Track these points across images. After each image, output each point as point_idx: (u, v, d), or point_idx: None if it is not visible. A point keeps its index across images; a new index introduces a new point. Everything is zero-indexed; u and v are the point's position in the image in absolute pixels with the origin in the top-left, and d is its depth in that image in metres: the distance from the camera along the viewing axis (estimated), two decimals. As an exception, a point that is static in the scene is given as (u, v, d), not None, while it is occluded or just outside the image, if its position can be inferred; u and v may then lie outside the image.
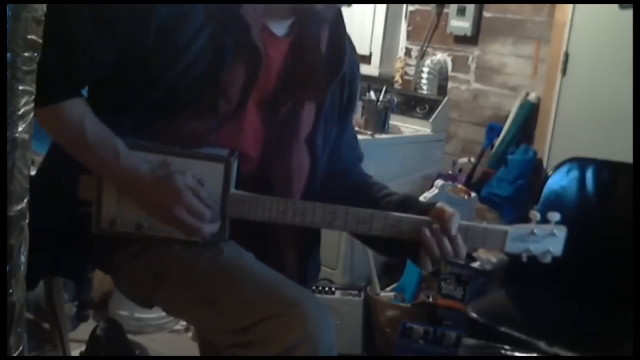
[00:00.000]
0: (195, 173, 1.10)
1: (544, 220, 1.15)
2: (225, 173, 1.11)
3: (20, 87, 0.68)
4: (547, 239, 1.14)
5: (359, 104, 2.83)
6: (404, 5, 3.72)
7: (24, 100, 0.68)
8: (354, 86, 1.37)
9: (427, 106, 3.12)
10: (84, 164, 1.08)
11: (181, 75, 1.08)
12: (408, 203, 1.22)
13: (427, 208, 1.18)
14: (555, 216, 1.14)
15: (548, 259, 1.15)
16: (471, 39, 3.49)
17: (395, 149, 2.81)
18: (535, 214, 1.14)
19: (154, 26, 1.05)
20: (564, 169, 2.18)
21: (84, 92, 1.14)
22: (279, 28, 1.21)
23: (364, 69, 3.55)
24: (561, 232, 1.15)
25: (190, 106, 1.11)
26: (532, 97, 3.30)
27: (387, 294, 2.51)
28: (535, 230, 1.14)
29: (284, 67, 1.22)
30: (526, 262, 1.16)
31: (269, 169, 1.19)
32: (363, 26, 3.58)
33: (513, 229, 1.14)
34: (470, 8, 3.41)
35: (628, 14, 2.84)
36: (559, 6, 3.19)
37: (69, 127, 1.05)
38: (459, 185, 2.84)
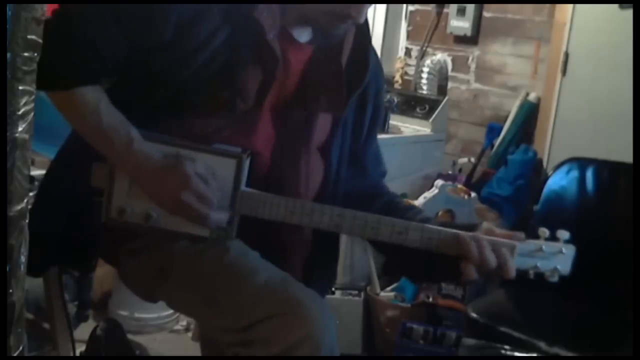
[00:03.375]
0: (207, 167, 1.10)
1: (553, 237, 1.13)
2: (236, 169, 1.11)
3: (20, 87, 0.68)
4: (556, 256, 1.13)
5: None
6: (404, 5, 3.72)
7: (24, 100, 0.68)
8: (379, 100, 1.35)
9: (427, 106, 3.12)
10: (97, 149, 1.09)
11: (198, 72, 1.09)
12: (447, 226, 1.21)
13: (467, 227, 1.17)
14: (564, 234, 1.12)
15: (555, 278, 1.13)
16: (471, 39, 3.49)
17: (395, 149, 2.81)
18: (544, 231, 1.13)
19: (172, 23, 1.07)
20: (564, 169, 2.18)
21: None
22: (301, 34, 1.20)
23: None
24: (570, 251, 1.13)
25: (205, 103, 1.12)
26: (532, 97, 3.30)
27: (387, 294, 2.50)
28: (543, 247, 1.12)
29: (305, 74, 1.21)
30: (533, 278, 1.14)
31: (279, 173, 1.19)
32: (363, 26, 3.58)
33: (521, 244, 1.12)
34: (470, 8, 3.41)
35: (628, 14, 2.84)
36: (559, 6, 3.19)
37: (84, 111, 1.06)
38: (459, 185, 2.84)
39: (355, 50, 1.24)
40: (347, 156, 1.30)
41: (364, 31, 1.26)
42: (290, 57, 1.18)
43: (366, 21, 1.26)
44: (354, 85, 1.23)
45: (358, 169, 1.35)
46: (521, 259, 1.12)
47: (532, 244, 1.13)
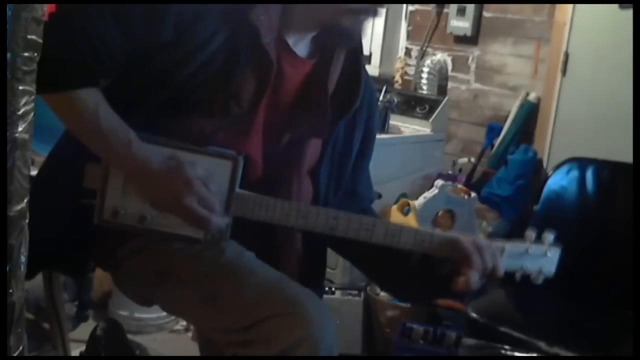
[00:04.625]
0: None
1: (539, 239, 1.16)
2: (232, 171, 1.11)
3: (20, 87, 0.68)
4: (541, 258, 1.16)
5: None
6: (404, 5, 3.72)
7: (24, 100, 0.68)
8: (371, 126, 1.34)
9: (427, 106, 3.13)
10: (94, 152, 1.09)
11: (194, 74, 1.09)
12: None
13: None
14: (549, 237, 1.16)
15: (540, 280, 1.17)
16: (471, 39, 3.49)
17: (395, 149, 2.81)
18: (530, 234, 1.16)
19: (171, 23, 1.07)
20: (564, 169, 2.18)
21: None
22: (299, 46, 1.20)
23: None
24: (554, 253, 1.17)
25: (201, 105, 1.11)
26: (532, 97, 3.30)
27: (387, 294, 2.50)
28: (530, 249, 1.15)
29: (302, 90, 1.21)
30: (519, 280, 1.17)
31: (269, 193, 1.18)
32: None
33: (509, 246, 1.15)
34: (470, 8, 3.42)
35: (628, 14, 2.84)
36: (559, 6, 3.20)
37: (83, 113, 1.05)
38: (459, 185, 2.84)
39: (346, 75, 1.23)
40: (335, 181, 1.29)
41: (355, 56, 1.25)
42: (285, 67, 1.17)
43: (360, 49, 1.26)
44: (342, 111, 1.23)
45: (351, 196, 1.34)
46: (509, 261, 1.15)
47: (520, 245, 1.16)
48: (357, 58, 1.26)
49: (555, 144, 3.24)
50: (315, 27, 1.19)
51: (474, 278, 1.10)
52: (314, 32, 1.20)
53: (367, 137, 1.33)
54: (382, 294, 2.48)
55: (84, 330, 2.06)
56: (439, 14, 3.60)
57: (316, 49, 1.22)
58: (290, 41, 1.18)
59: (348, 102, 1.23)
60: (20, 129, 0.68)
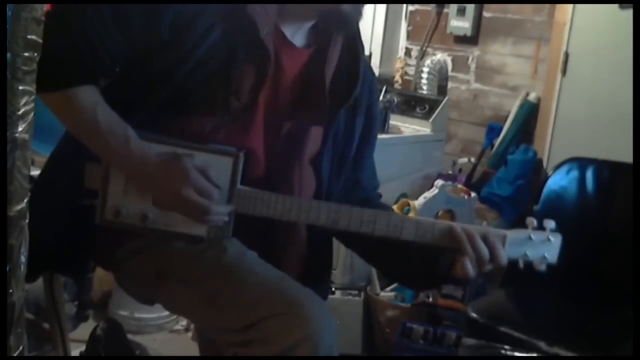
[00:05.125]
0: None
1: (540, 227, 1.16)
2: (233, 167, 1.11)
3: (20, 87, 0.68)
4: (544, 245, 1.16)
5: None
6: (404, 5, 3.72)
7: (24, 100, 0.68)
8: (373, 114, 1.34)
9: (427, 106, 3.12)
10: (93, 150, 1.09)
11: (193, 72, 1.09)
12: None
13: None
14: (550, 223, 1.15)
15: (543, 267, 1.16)
16: (471, 39, 3.49)
17: (395, 149, 2.81)
18: (532, 220, 1.15)
19: (169, 22, 1.07)
20: (564, 169, 2.18)
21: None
22: (296, 36, 1.20)
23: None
24: (556, 239, 1.16)
25: (201, 102, 1.12)
26: (532, 97, 3.30)
27: (387, 294, 2.50)
28: (532, 236, 1.15)
29: (300, 80, 1.21)
30: (522, 269, 1.17)
31: (272, 185, 1.19)
32: (363, 26, 3.58)
33: (511, 234, 1.15)
34: (470, 8, 3.42)
35: (628, 14, 2.84)
36: (559, 6, 3.20)
37: (81, 112, 1.06)
38: (459, 185, 2.84)
39: (344, 63, 1.24)
40: (337, 169, 1.30)
41: (354, 44, 1.26)
42: (282, 58, 1.17)
43: (358, 35, 1.27)
44: (342, 98, 1.23)
45: (352, 182, 1.34)
46: (511, 248, 1.15)
47: (522, 233, 1.16)
48: (355, 45, 1.26)
49: (555, 144, 3.24)
50: (314, 16, 1.19)
51: (468, 265, 1.11)
52: (312, 21, 1.21)
53: (369, 124, 1.33)
54: (382, 293, 2.48)
55: (84, 330, 2.06)
56: (439, 14, 3.60)
57: (313, 38, 1.22)
58: (288, 33, 1.18)
59: (348, 89, 1.23)
60: (20, 129, 0.68)
